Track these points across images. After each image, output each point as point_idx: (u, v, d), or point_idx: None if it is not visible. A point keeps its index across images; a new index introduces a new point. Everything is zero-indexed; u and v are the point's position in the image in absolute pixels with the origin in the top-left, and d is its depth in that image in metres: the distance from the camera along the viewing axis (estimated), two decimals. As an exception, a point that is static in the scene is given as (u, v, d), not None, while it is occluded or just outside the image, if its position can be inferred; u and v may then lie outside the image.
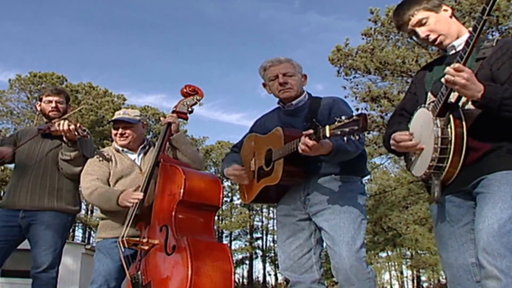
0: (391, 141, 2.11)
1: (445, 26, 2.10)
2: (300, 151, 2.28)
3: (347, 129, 2.01)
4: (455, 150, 1.89)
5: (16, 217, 3.36)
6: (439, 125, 1.92)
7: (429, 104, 2.05)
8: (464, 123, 1.91)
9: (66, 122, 3.22)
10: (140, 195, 2.88)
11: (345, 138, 2.03)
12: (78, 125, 3.19)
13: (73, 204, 3.49)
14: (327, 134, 2.09)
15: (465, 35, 2.06)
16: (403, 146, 2.06)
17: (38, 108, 3.70)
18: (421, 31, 2.11)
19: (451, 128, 1.91)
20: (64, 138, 3.27)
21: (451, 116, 1.92)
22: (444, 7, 2.14)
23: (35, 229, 3.33)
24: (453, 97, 1.95)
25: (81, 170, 3.32)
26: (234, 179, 2.82)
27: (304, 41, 66.61)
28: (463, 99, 1.95)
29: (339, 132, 2.03)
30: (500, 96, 1.80)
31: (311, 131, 2.18)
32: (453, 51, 2.12)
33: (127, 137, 3.25)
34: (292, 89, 2.75)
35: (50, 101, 3.58)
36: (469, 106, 1.96)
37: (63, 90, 3.81)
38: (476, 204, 1.94)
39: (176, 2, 61.93)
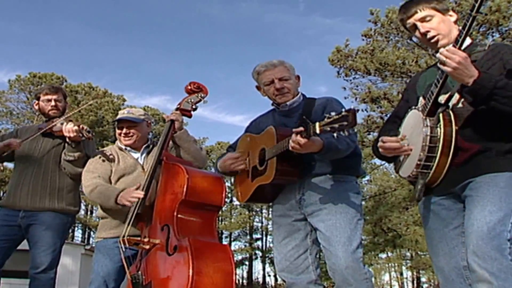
0: (379, 143, 2.11)
1: (446, 28, 2.13)
2: (290, 148, 2.27)
3: (336, 125, 2.01)
4: (443, 149, 1.89)
5: (16, 217, 3.35)
6: (428, 125, 1.92)
7: (420, 106, 2.06)
8: (453, 122, 1.90)
9: (71, 124, 3.19)
10: (140, 194, 2.84)
11: (335, 135, 2.03)
12: (82, 126, 3.17)
13: (73, 204, 3.48)
14: (317, 131, 2.09)
15: None
16: (390, 147, 2.06)
17: (36, 107, 3.67)
18: (422, 26, 2.13)
19: (440, 127, 1.90)
20: (68, 139, 3.24)
21: (441, 116, 1.92)
22: (451, 12, 2.17)
23: (35, 229, 3.32)
24: (443, 98, 1.95)
25: None
26: (231, 164, 2.78)
27: (309, 44, 66.92)
28: (453, 100, 1.95)
29: (328, 128, 2.03)
30: (493, 85, 1.79)
31: (301, 128, 2.18)
32: None
33: (131, 136, 3.22)
34: (289, 93, 2.76)
35: (49, 100, 3.56)
36: (460, 105, 1.95)
37: (60, 88, 3.79)
38: (465, 207, 1.93)
39: (182, 4, 62.13)
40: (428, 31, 2.12)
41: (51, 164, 3.45)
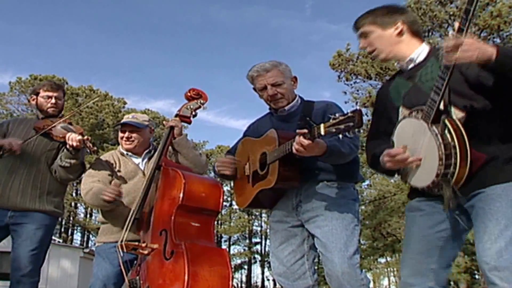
0: (386, 158, 2.05)
1: (384, 43, 2.17)
2: (294, 151, 2.23)
3: (342, 126, 1.97)
4: (461, 153, 1.85)
5: (4, 217, 3.22)
6: (437, 132, 1.88)
7: (410, 114, 2.02)
8: (460, 125, 1.87)
9: (75, 134, 3.16)
10: (117, 188, 2.91)
11: (340, 136, 2.00)
12: (87, 137, 3.16)
13: (60, 208, 3.40)
14: (322, 132, 2.05)
15: (420, 48, 2.13)
16: (400, 159, 2.01)
17: (33, 102, 3.52)
18: (361, 42, 2.24)
19: (450, 133, 1.87)
20: (68, 146, 3.17)
21: (446, 121, 1.89)
22: (397, 25, 2.15)
23: (25, 228, 3.20)
24: (441, 104, 1.93)
25: (76, 176, 3.30)
26: (218, 166, 2.78)
27: (314, 49, 67.28)
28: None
29: (334, 130, 1.99)
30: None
31: (305, 130, 2.14)
32: (412, 65, 2.14)
33: (133, 141, 3.23)
34: (283, 98, 2.70)
35: (50, 97, 3.44)
36: (456, 115, 1.93)
37: (62, 85, 3.66)
38: (473, 217, 1.92)
39: (188, 9, 62.61)
40: (365, 47, 2.22)
41: (43, 166, 3.34)
